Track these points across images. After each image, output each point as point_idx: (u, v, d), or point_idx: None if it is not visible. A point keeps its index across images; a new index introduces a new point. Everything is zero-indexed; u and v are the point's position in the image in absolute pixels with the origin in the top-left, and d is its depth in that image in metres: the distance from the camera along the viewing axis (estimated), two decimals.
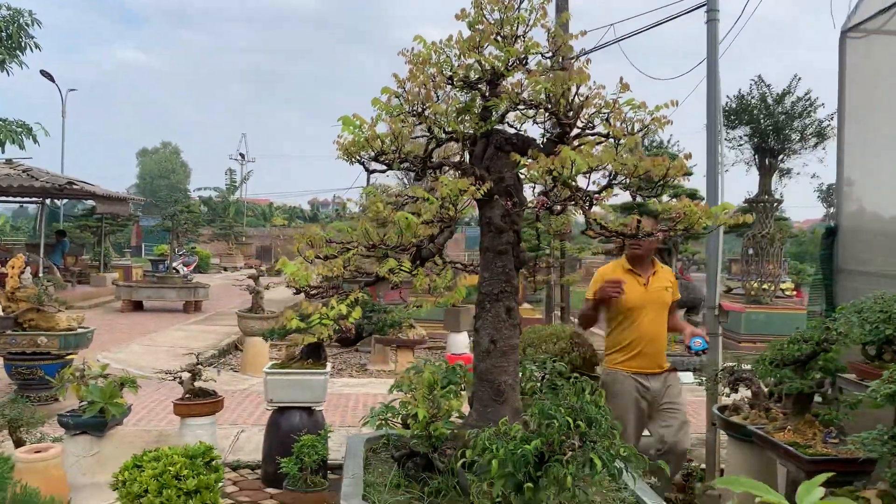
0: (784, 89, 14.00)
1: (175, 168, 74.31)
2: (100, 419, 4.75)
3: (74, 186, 16.08)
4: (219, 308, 17.20)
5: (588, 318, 5.04)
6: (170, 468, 2.52)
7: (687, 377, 10.74)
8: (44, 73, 28.25)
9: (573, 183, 2.94)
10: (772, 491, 1.17)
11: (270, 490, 5.37)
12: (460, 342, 12.11)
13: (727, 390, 5.54)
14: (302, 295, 3.12)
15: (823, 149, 13.85)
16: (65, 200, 24.38)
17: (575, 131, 3.21)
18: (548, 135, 3.62)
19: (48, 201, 22.07)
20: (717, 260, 6.01)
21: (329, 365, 5.79)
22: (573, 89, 3.07)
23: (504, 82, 3.32)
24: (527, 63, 3.39)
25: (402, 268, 2.88)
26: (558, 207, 2.99)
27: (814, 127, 13.62)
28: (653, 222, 4.07)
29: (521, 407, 3.52)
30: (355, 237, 3.06)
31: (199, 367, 5.47)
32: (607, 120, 3.07)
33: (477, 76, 3.33)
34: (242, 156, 49.60)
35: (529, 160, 3.04)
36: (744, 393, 5.44)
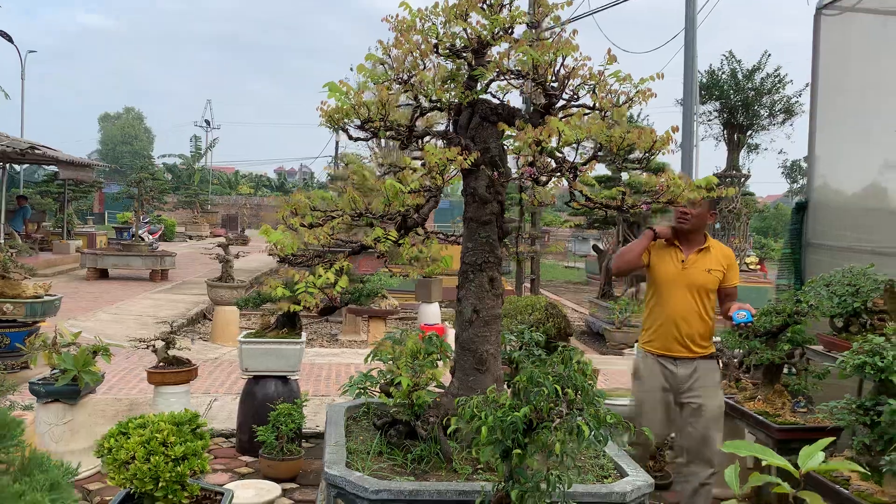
0: (754, 65, 14.14)
1: (138, 134, 72.86)
2: (73, 387, 4.69)
3: (37, 151, 15.69)
4: (185, 277, 17.02)
5: (630, 259, 4.33)
6: (156, 435, 2.50)
7: None
8: (2, 33, 27.36)
9: (560, 154, 2.95)
10: (776, 455, 1.21)
11: (246, 458, 5.37)
12: (432, 312, 12.15)
13: None
14: (278, 262, 3.10)
15: (791, 125, 14.05)
16: (25, 165, 23.80)
17: (560, 103, 3.20)
18: (532, 105, 3.62)
19: (7, 166, 21.52)
20: None
21: (304, 334, 5.78)
22: (560, 60, 3.06)
23: (490, 51, 3.30)
24: (512, 32, 3.38)
25: (389, 236, 2.88)
26: (545, 178, 2.99)
27: (782, 103, 13.78)
28: (701, 201, 3.85)
29: (502, 375, 3.56)
30: (340, 205, 3.04)
31: (173, 335, 5.41)
32: (594, 91, 3.08)
33: (463, 45, 3.31)
34: (208, 122, 48.80)
35: (517, 131, 3.03)
36: None
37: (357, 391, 4.42)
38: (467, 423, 2.38)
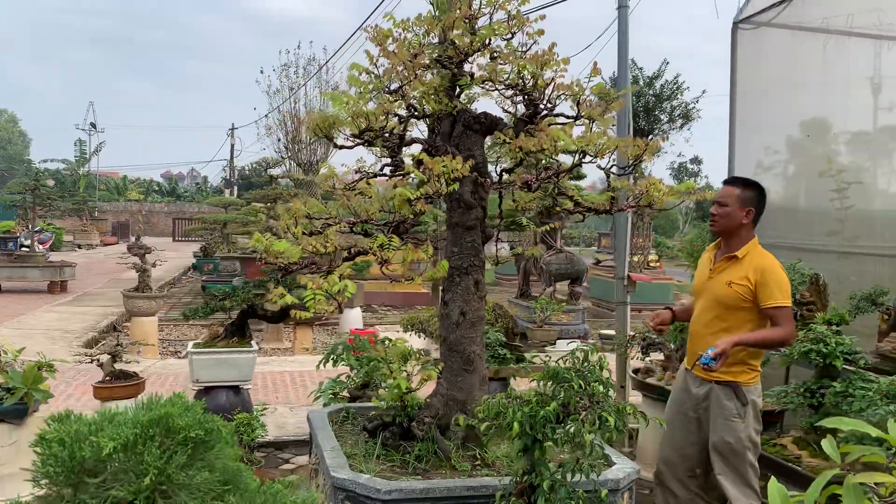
0: (654, 73, 14.89)
1: (12, 138, 68.44)
2: (21, 406, 4.48)
3: None
4: (86, 288, 16.24)
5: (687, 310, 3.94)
6: None
7: (574, 345, 11.36)
8: None
9: (554, 160, 3.11)
10: (873, 428, 1.38)
11: None
12: (354, 318, 12.14)
13: (640, 354, 5.99)
14: (280, 271, 3.12)
15: (689, 129, 14.86)
16: None
17: (543, 112, 3.36)
18: (507, 114, 3.77)
19: None
20: (626, 234, 6.42)
21: (255, 342, 5.71)
22: (548, 73, 3.22)
23: (473, 62, 3.42)
24: (490, 44, 3.51)
25: (393, 243, 2.94)
26: (536, 184, 3.14)
27: (681, 108, 14.57)
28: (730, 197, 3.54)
29: (487, 375, 3.68)
30: (334, 212, 3.09)
31: (119, 347, 5.24)
32: (577, 102, 3.25)
33: (448, 56, 3.41)
34: (94, 125, 46.45)
35: (509, 139, 3.17)
36: (655, 356, 5.90)
37: (329, 396, 4.47)
38: (493, 420, 2.49)
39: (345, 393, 4.48)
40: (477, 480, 2.97)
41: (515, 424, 2.38)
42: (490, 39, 3.47)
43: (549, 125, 3.38)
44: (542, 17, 3.56)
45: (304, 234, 2.99)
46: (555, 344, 10.72)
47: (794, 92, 6.16)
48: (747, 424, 3.61)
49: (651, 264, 18.51)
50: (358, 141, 3.16)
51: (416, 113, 3.33)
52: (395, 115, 3.23)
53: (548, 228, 11.19)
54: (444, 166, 2.85)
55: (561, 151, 3.00)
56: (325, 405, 4.58)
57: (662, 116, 14.56)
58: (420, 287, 16.23)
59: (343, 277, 3.04)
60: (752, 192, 3.65)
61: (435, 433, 3.29)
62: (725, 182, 3.85)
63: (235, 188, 48.20)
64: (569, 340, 11.30)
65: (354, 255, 3.24)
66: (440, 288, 11.80)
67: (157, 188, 58.77)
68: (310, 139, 18.60)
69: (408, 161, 3.59)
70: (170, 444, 1.65)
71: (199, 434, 1.66)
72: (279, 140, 19.38)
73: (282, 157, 19.29)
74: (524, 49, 3.45)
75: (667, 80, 14.63)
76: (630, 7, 6.16)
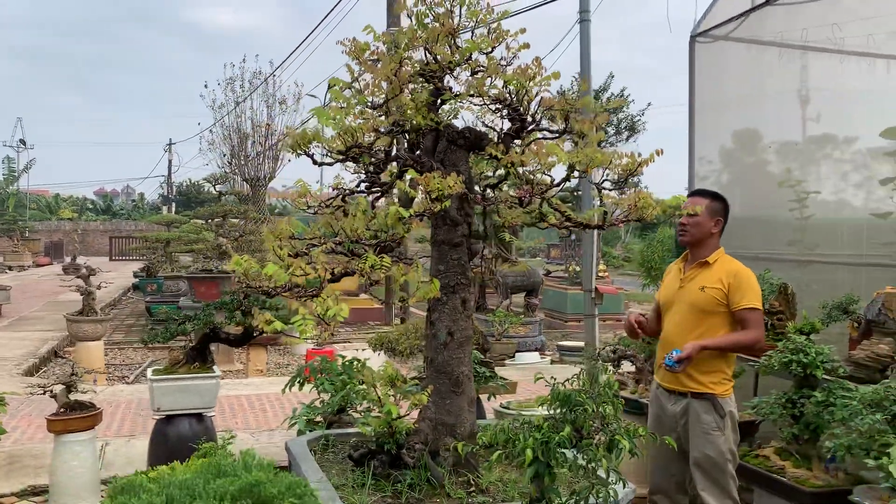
0: (601, 85, 15.10)
1: None
2: None
3: None
4: (21, 312, 15.54)
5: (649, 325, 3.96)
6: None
7: (533, 357, 11.37)
8: None
9: (543, 175, 3.05)
10: None
11: None
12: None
13: (610, 366, 5.96)
14: (262, 294, 2.97)
15: (635, 141, 15.10)
16: None
17: (531, 126, 3.30)
18: (488, 128, 3.70)
19: None
20: (593, 246, 6.43)
21: (217, 368, 5.49)
22: (536, 88, 3.16)
23: (458, 76, 3.35)
24: (470, 58, 3.44)
25: (384, 263, 2.83)
26: (527, 199, 3.07)
27: (627, 121, 14.80)
28: (700, 208, 3.52)
29: (475, 396, 3.59)
30: (322, 232, 2.97)
31: (74, 377, 4.96)
32: (566, 117, 3.20)
33: (431, 70, 3.33)
34: (23, 142, 44.81)
35: (500, 154, 3.09)
36: (627, 369, 5.89)
37: (304, 422, 4.30)
38: (503, 447, 2.39)
39: (319, 418, 4.32)
40: None
41: (528, 452, 2.28)
42: (472, 54, 3.41)
43: (535, 140, 3.33)
44: (523, 31, 3.52)
45: (289, 255, 2.85)
46: (514, 357, 10.71)
47: (751, 104, 6.27)
48: (727, 437, 3.65)
49: (601, 274, 18.71)
50: (341, 157, 3.04)
51: (401, 128, 3.22)
52: (383, 130, 3.13)
53: (505, 240, 11.19)
54: (438, 184, 2.75)
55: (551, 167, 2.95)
56: (299, 432, 4.41)
57: (609, 129, 14.76)
58: (372, 303, 16.05)
59: (329, 299, 2.91)
60: (719, 204, 3.79)
61: (427, 460, 3.17)
62: (693, 193, 3.95)
63: (174, 205, 47.13)
64: (526, 353, 11.32)
65: (339, 277, 3.11)
66: (391, 304, 11.60)
67: (91, 206, 57.07)
68: (256, 153, 18.29)
69: (384, 178, 3.49)
70: None
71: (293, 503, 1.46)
72: (224, 155, 18.97)
73: (225, 172, 18.85)
74: (506, 63, 3.39)
75: (612, 94, 14.89)
76: (591, 21, 6.18)
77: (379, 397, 3.21)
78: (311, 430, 4.22)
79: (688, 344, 3.47)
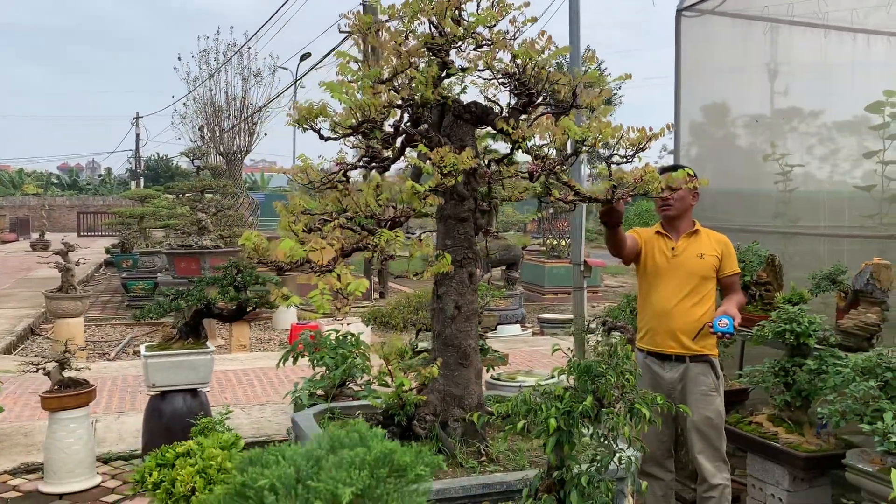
0: (582, 58, 15.10)
1: None
2: None
3: None
4: None
5: (616, 240, 3.86)
6: (211, 462, 2.30)
7: (514, 329, 11.48)
8: None
9: (557, 150, 3.07)
10: None
11: None
12: (288, 314, 11.82)
13: (598, 338, 6.05)
14: (275, 271, 2.98)
15: (612, 116, 15.16)
16: None
17: (539, 100, 3.32)
18: (491, 103, 3.71)
19: None
20: (582, 221, 6.49)
21: (210, 343, 5.48)
22: (541, 60, 3.17)
23: (466, 50, 3.34)
24: (476, 32, 3.44)
25: (398, 238, 2.85)
26: (537, 174, 3.10)
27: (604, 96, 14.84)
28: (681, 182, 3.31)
29: (482, 369, 3.64)
30: (337, 207, 2.98)
31: (68, 354, 4.92)
32: (573, 91, 3.22)
33: (438, 44, 3.32)
34: None
35: (511, 129, 3.10)
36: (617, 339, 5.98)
37: (306, 396, 4.33)
38: (524, 417, 2.45)
39: (320, 391, 4.35)
40: (490, 478, 2.93)
41: (551, 421, 2.34)
42: (477, 28, 3.41)
43: (542, 114, 3.35)
44: (527, 4, 3.52)
45: (303, 231, 2.85)
46: (496, 329, 10.79)
47: (736, 77, 6.34)
48: (721, 398, 3.92)
49: None
50: (349, 132, 3.03)
51: (410, 103, 3.22)
52: (395, 105, 3.12)
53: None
54: (453, 158, 2.77)
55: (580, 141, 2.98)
56: (297, 406, 4.43)
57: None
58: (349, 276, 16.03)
59: (344, 274, 2.93)
60: (695, 178, 3.92)
61: (438, 430, 3.22)
62: (667, 168, 3.98)
63: (142, 179, 46.40)
64: (508, 325, 11.42)
65: (350, 251, 3.13)
66: (370, 278, 11.57)
67: (56, 181, 55.96)
68: (231, 127, 18.04)
69: (388, 153, 3.49)
70: (404, 488, 1.44)
71: (424, 472, 1.48)
72: (200, 129, 18.66)
73: (199, 146, 18.57)
74: (512, 37, 3.39)
75: (588, 67, 14.90)
76: None
77: (390, 370, 3.24)
78: (312, 405, 4.25)
79: (732, 310, 3.74)
